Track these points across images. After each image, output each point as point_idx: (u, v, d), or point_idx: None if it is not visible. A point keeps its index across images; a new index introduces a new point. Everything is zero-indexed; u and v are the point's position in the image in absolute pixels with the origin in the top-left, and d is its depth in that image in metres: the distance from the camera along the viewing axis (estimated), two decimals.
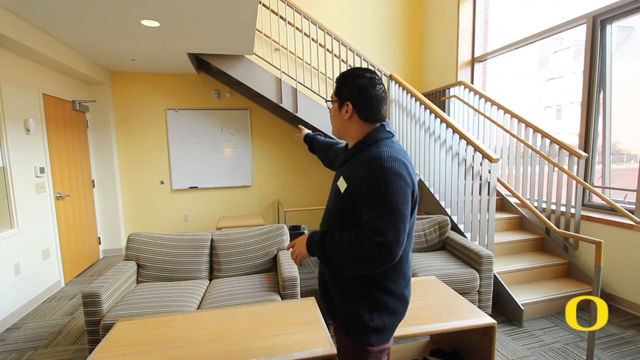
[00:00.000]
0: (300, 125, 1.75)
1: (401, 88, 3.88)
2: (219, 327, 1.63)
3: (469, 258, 2.65)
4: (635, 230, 2.63)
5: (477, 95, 3.94)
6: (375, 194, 0.95)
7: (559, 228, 3.02)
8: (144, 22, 2.74)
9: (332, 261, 1.01)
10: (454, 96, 4.21)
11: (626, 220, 2.70)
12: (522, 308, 2.49)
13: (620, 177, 3.03)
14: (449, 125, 3.10)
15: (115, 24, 2.75)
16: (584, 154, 2.90)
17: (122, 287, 2.26)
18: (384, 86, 1.10)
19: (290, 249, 1.68)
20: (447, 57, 4.70)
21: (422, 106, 3.49)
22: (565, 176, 3.04)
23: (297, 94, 3.90)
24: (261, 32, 4.29)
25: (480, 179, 2.79)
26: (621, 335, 2.36)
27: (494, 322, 1.69)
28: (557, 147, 3.05)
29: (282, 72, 3.88)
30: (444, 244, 3.03)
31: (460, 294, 2.51)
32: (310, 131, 1.71)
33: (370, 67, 4.15)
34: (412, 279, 2.17)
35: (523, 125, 3.38)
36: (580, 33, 3.15)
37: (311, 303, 1.87)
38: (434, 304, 1.88)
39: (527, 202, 3.16)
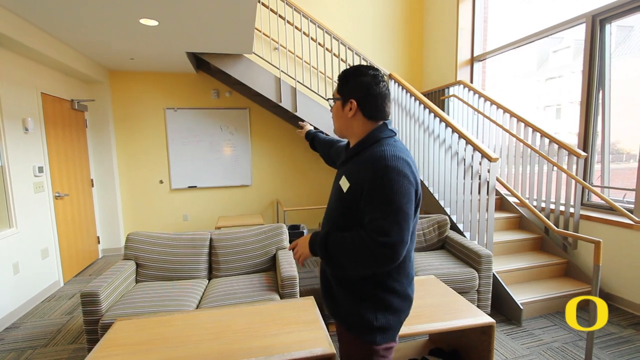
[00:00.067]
0: (301, 122, 1.74)
1: (400, 87, 3.88)
2: (217, 327, 1.63)
3: (468, 257, 2.65)
4: (634, 230, 2.63)
5: (477, 95, 3.93)
6: (378, 193, 0.94)
7: (558, 227, 3.02)
8: (143, 21, 2.73)
9: (335, 261, 1.01)
10: (454, 95, 4.21)
11: (625, 219, 2.70)
12: (521, 307, 2.49)
13: (619, 176, 3.03)
14: (448, 124, 3.10)
15: (114, 23, 2.75)
16: (583, 153, 2.90)
17: (120, 287, 2.26)
18: (387, 83, 1.09)
19: (293, 250, 1.68)
20: (446, 56, 4.69)
21: (422, 105, 3.49)
22: (564, 175, 3.04)
23: (297, 93, 3.90)
24: (260, 31, 4.28)
25: (480, 178, 2.79)
26: (620, 334, 2.36)
27: (493, 321, 1.69)
28: (556, 146, 3.05)
29: (282, 71, 3.88)
30: (443, 244, 3.03)
31: (459, 293, 2.51)
32: (312, 128, 1.69)
33: None
34: None
35: (522, 124, 3.38)
36: (579, 32, 3.15)
37: (310, 302, 1.87)
38: (433, 303, 1.88)
39: (526, 201, 3.17)
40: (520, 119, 3.38)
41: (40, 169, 3.17)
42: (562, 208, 3.10)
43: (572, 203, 2.98)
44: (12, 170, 2.82)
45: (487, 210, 2.75)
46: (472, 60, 4.48)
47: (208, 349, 1.44)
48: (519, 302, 2.51)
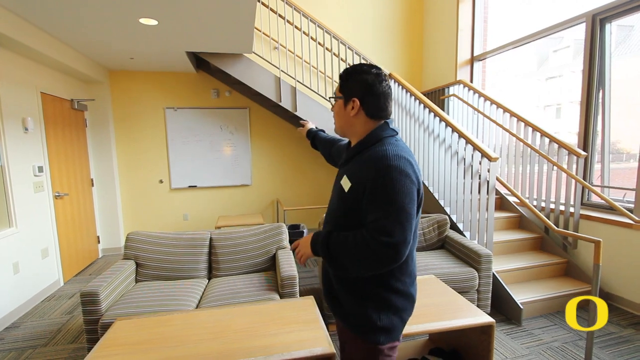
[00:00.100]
0: (302, 121, 1.73)
1: (400, 87, 3.87)
2: (217, 326, 1.63)
3: (468, 257, 2.65)
4: (634, 229, 2.63)
5: (477, 94, 3.93)
6: (381, 193, 0.94)
7: (558, 227, 3.02)
8: (143, 21, 2.73)
9: (337, 261, 1.00)
10: (454, 95, 4.21)
11: (625, 219, 2.70)
12: (521, 307, 2.49)
13: (619, 176, 3.03)
14: (448, 124, 3.09)
15: (114, 22, 2.74)
16: (583, 152, 2.89)
17: (120, 286, 2.26)
18: (389, 82, 1.08)
19: (294, 250, 1.68)
20: (446, 56, 4.69)
21: (422, 105, 3.48)
22: (564, 175, 3.04)
23: (297, 92, 3.90)
24: (260, 31, 4.28)
25: (480, 178, 2.79)
26: (620, 334, 2.36)
27: (493, 321, 1.69)
28: (556, 146, 3.05)
29: (281, 70, 3.88)
30: (443, 243, 3.03)
31: (459, 292, 2.51)
32: (314, 126, 1.69)
33: None
34: None
35: (522, 124, 3.38)
36: (579, 32, 3.15)
37: (310, 302, 1.87)
38: (433, 302, 1.88)
39: (526, 201, 3.16)
40: (520, 119, 3.38)
41: (40, 169, 3.17)
42: (562, 207, 3.10)
43: (572, 203, 2.98)
44: (12, 169, 2.82)
45: (487, 209, 2.75)
46: (472, 59, 4.48)
47: (208, 349, 1.44)
48: (518, 302, 2.51)
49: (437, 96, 4.65)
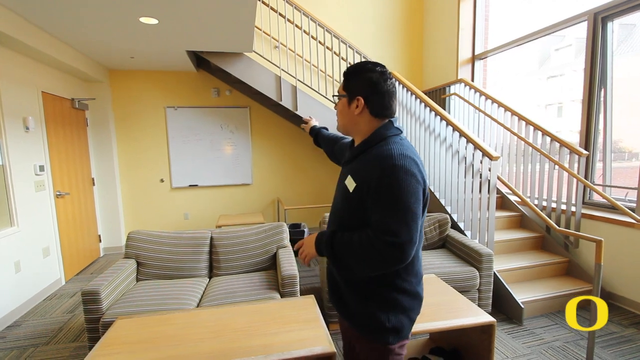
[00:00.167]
0: (306, 118, 1.71)
1: (401, 86, 3.86)
2: (218, 325, 1.63)
3: (468, 256, 2.64)
4: (636, 229, 2.62)
5: (478, 93, 3.92)
6: (386, 192, 0.93)
7: (559, 226, 3.01)
8: (143, 20, 2.73)
9: (342, 261, 1.00)
10: (455, 94, 4.20)
11: (627, 218, 2.69)
12: (522, 306, 2.48)
13: (621, 175, 3.02)
14: (449, 123, 3.09)
15: (114, 22, 2.74)
16: (584, 152, 2.88)
17: (121, 285, 2.26)
18: (394, 80, 1.07)
19: (298, 250, 1.67)
20: (447, 54, 4.68)
21: (422, 104, 3.48)
22: (565, 174, 3.03)
23: (297, 91, 3.89)
24: (260, 30, 4.28)
25: (481, 177, 2.79)
26: (621, 333, 2.36)
27: (494, 320, 1.68)
28: (557, 145, 3.04)
29: (282, 69, 3.87)
30: (444, 242, 3.02)
31: (460, 292, 2.50)
32: (317, 123, 1.68)
33: None
34: None
35: (524, 123, 3.36)
36: (581, 30, 3.13)
37: (310, 301, 1.87)
38: (434, 302, 1.87)
39: (528, 200, 3.16)
40: (521, 117, 3.37)
41: (41, 168, 3.18)
42: (563, 207, 3.09)
43: (573, 202, 2.97)
44: (13, 169, 2.83)
45: (488, 209, 2.74)
46: (473, 58, 4.47)
47: (208, 348, 1.44)
48: (519, 301, 2.50)
49: (438, 95, 4.64)
